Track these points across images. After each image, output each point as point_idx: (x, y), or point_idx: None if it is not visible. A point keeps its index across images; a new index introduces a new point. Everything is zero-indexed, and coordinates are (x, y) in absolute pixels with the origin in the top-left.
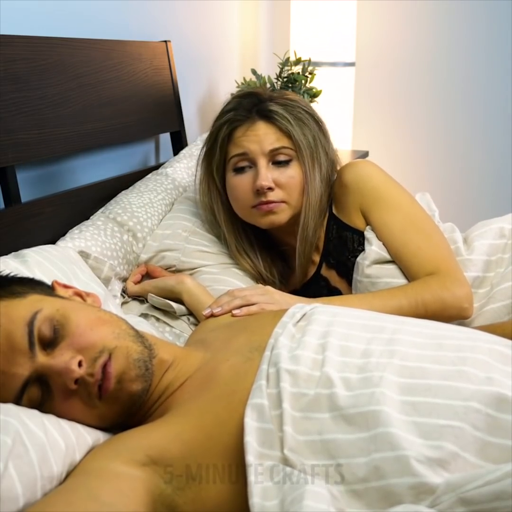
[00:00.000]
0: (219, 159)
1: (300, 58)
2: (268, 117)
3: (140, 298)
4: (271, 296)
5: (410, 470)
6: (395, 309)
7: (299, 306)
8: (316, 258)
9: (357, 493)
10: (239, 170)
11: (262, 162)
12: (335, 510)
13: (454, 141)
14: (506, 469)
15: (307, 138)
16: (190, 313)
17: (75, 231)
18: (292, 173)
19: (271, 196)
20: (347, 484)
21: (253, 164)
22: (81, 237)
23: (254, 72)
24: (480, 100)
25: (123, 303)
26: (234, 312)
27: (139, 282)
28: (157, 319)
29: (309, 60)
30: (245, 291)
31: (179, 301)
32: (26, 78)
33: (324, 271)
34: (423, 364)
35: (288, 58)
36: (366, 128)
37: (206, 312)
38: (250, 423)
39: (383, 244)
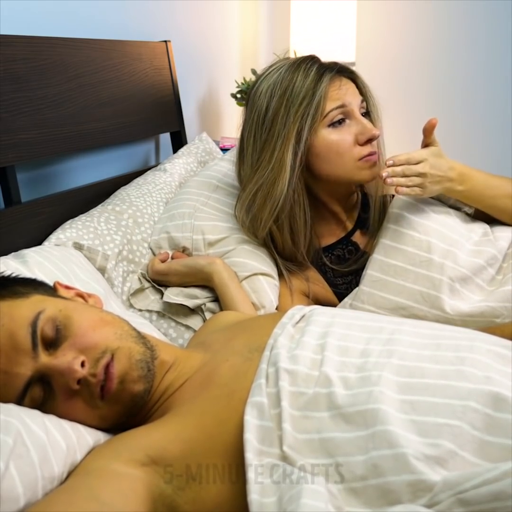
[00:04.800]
0: (313, 118)
1: None
2: (350, 73)
3: (156, 285)
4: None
5: (408, 467)
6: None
7: (298, 307)
8: (349, 223)
9: (355, 491)
10: (336, 124)
11: (359, 113)
12: (333, 508)
13: (454, 141)
14: (504, 468)
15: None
16: (210, 300)
17: (67, 222)
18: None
19: (373, 145)
20: (345, 482)
21: (347, 116)
22: (73, 227)
23: (254, 72)
24: (480, 99)
25: (137, 291)
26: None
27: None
28: (163, 315)
29: None
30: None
31: (203, 283)
32: (26, 78)
33: (356, 237)
34: (422, 364)
35: (288, 58)
36: None
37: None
38: (250, 420)
39: None
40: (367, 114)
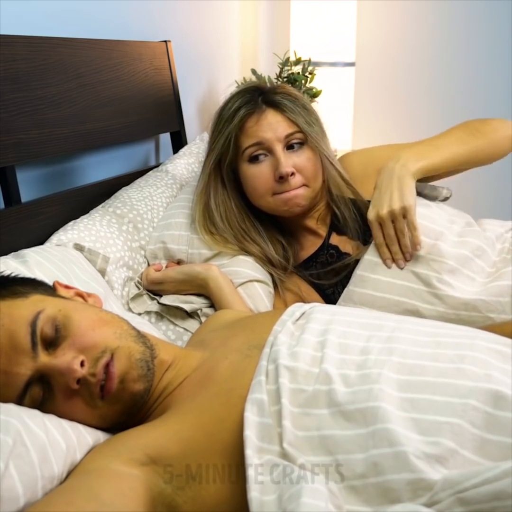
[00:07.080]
0: (232, 153)
1: (300, 58)
2: (276, 105)
3: (151, 294)
4: None
5: (408, 466)
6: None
7: (298, 305)
8: (322, 231)
9: (355, 489)
10: (255, 160)
11: (279, 149)
12: (333, 506)
13: None
14: (504, 467)
15: (314, 125)
16: (206, 306)
17: (69, 224)
18: (308, 155)
19: (293, 182)
20: (345, 481)
21: (269, 152)
22: (75, 228)
23: (254, 72)
24: (480, 99)
25: (136, 296)
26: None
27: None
28: (161, 317)
29: (309, 60)
30: None
31: (199, 290)
32: (26, 78)
33: (334, 240)
34: (422, 362)
35: (288, 58)
36: (366, 128)
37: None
38: (250, 417)
39: None
40: (302, 143)
